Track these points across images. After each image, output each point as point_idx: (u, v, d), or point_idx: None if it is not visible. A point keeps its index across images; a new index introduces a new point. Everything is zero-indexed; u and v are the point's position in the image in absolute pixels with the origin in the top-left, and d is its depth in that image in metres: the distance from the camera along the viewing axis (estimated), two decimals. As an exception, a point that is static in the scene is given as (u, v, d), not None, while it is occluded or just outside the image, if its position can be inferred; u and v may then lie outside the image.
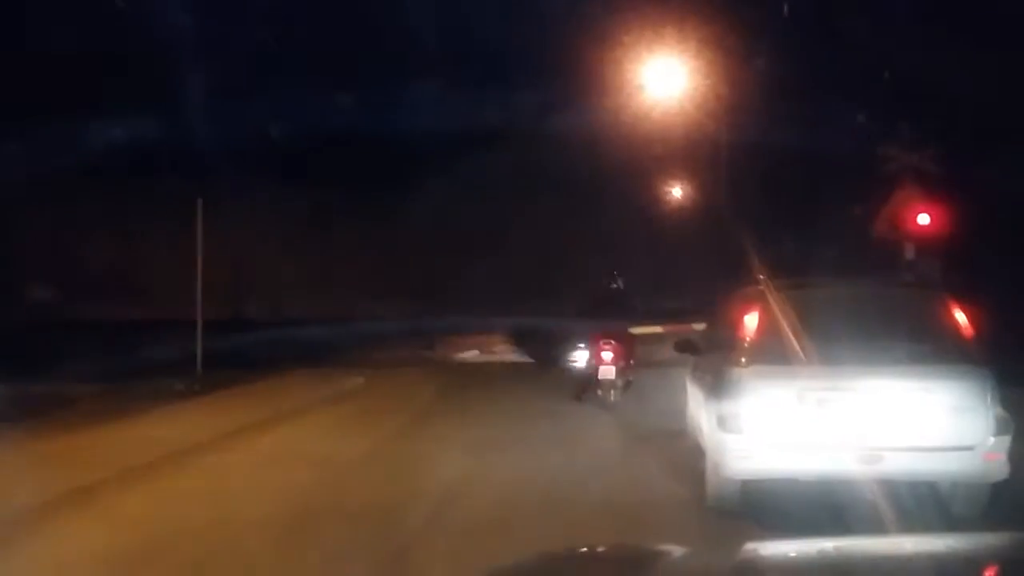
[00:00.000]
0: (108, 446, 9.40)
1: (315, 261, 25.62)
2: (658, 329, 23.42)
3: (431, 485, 7.33)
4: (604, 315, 12.78)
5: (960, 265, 12.32)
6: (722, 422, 6.01)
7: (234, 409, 12.14)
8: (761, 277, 6.88)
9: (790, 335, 5.96)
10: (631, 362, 12.69)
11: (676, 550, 2.33)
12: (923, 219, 11.88)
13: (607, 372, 11.71)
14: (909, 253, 12.28)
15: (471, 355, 23.98)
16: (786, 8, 14.20)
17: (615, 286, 13.57)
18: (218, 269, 17.65)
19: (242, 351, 16.71)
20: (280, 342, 18.35)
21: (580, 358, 14.89)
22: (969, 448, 5.67)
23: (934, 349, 5.99)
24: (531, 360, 20.49)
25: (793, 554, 2.42)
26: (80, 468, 7.97)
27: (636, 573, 2.22)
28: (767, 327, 6.11)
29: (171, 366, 14.87)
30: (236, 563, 5.45)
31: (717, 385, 6.39)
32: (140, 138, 18.80)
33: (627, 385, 12.33)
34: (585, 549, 2.66)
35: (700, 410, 7.20)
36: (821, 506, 5.96)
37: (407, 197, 26.40)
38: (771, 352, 5.98)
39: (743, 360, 6.06)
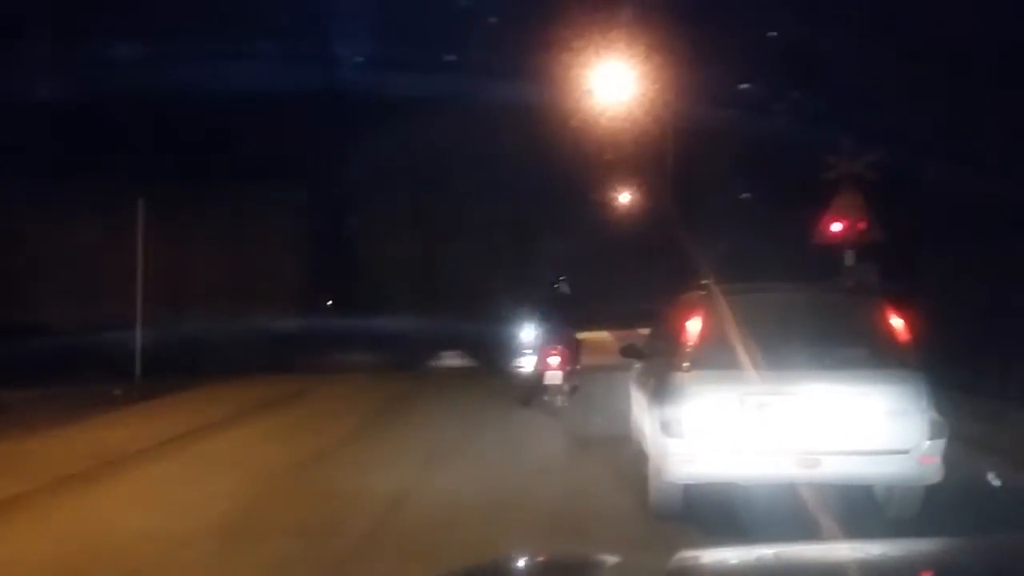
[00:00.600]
0: (42, 454, 9.13)
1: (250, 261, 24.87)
2: (605, 334, 23.59)
3: (373, 492, 7.23)
4: (550, 320, 12.77)
5: (898, 271, 12.59)
6: (665, 427, 6.03)
7: (173, 415, 11.89)
8: (704, 282, 6.94)
9: (732, 340, 6.02)
10: (577, 367, 12.73)
11: (609, 559, 2.32)
12: (862, 226, 12.11)
13: (553, 377, 11.72)
14: (849, 259, 12.50)
15: (447, 359, 23.74)
16: (732, 17, 14.42)
17: (561, 291, 13.56)
18: (161, 271, 17.32)
19: (183, 354, 16.39)
20: (221, 345, 18.01)
21: (526, 363, 14.88)
22: (904, 452, 5.76)
23: (871, 354, 6.09)
24: (476, 365, 20.48)
25: (729, 561, 2.42)
26: (10, 477, 7.72)
27: None
28: (710, 332, 6.16)
29: (109, 371, 14.54)
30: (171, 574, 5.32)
31: (660, 390, 6.42)
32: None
33: (573, 390, 12.36)
34: (517, 558, 2.63)
35: (644, 415, 7.23)
36: (763, 510, 6.01)
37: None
38: (713, 357, 6.02)
39: (685, 365, 6.09)
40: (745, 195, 20.84)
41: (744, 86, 16.19)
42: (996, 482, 6.66)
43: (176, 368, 15.71)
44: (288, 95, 20.94)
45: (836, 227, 12.26)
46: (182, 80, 19.02)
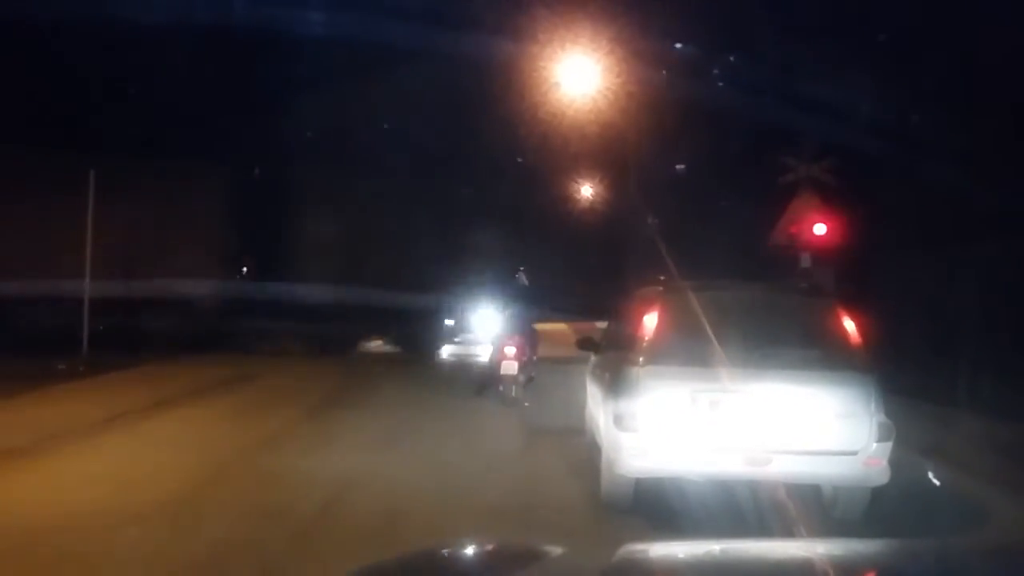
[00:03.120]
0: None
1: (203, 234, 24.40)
2: (562, 326, 23.72)
3: (323, 478, 7.15)
4: (508, 310, 12.77)
5: (852, 274, 12.76)
6: (618, 420, 6.04)
7: (120, 392, 11.69)
8: (662, 278, 6.96)
9: (687, 337, 6.05)
10: (534, 358, 12.74)
11: (554, 550, 2.31)
12: (819, 229, 12.25)
13: (509, 367, 11.71)
14: (805, 261, 12.64)
15: (375, 345, 23.74)
16: (695, 15, 14.47)
17: (520, 281, 13.56)
18: (112, 243, 16.95)
19: (131, 330, 16.10)
20: (170, 323, 17.73)
21: (483, 352, 14.90)
22: (852, 453, 5.83)
23: (823, 356, 6.15)
24: (400, 351, 20.55)
25: (674, 555, 2.42)
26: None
27: (511, 572, 2.18)
28: (665, 328, 6.18)
29: (56, 345, 14.23)
30: (112, 554, 5.19)
31: (615, 383, 6.43)
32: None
33: (529, 381, 12.37)
34: (463, 546, 2.61)
35: (598, 408, 7.25)
36: (714, 506, 6.06)
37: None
38: (668, 353, 6.05)
39: (640, 360, 6.11)
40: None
41: (708, 90, 16.28)
42: (937, 483, 6.78)
43: (120, 345, 15.41)
44: (216, 62, 20.47)
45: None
46: (91, 35, 18.45)
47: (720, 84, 16.28)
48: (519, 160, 24.68)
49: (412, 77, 20.95)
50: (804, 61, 14.52)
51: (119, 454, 8.06)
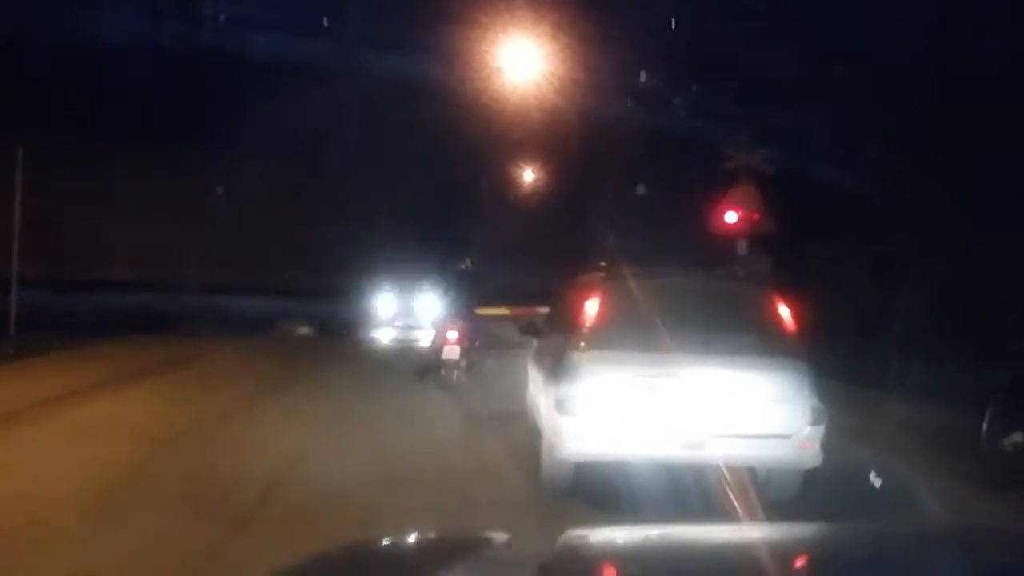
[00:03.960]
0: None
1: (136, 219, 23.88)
2: (504, 311, 23.75)
3: (260, 463, 7.06)
4: (451, 295, 12.74)
5: (788, 262, 13.03)
6: (559, 404, 6.09)
7: (50, 376, 11.36)
8: (602, 264, 7.01)
9: (627, 322, 6.11)
10: (476, 343, 12.73)
11: (498, 536, 2.31)
12: (756, 217, 12.48)
13: (451, 352, 11.69)
14: (742, 248, 12.87)
15: (307, 331, 23.45)
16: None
17: (464, 266, 13.53)
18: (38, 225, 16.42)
19: (61, 314, 15.64)
20: (102, 306, 17.28)
21: (423, 337, 14.86)
22: (786, 436, 5.97)
23: (758, 341, 6.27)
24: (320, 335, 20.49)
25: (616, 540, 2.45)
26: None
27: (451, 560, 2.18)
28: (606, 313, 6.24)
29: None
30: (39, 544, 5.06)
31: (556, 368, 6.47)
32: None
33: (471, 366, 12.36)
34: (405, 535, 2.60)
35: (539, 392, 7.28)
36: (653, 489, 6.14)
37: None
38: (608, 338, 6.12)
39: (581, 344, 6.16)
40: (640, 188, 21.18)
41: (648, 78, 16.41)
42: (876, 480, 6.98)
43: (49, 328, 14.99)
44: (167, 53, 20.06)
45: (731, 217, 12.60)
46: (41, 34, 18.00)
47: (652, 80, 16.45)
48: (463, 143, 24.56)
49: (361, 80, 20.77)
50: (745, 50, 14.72)
51: (42, 440, 7.83)
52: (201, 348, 15.71)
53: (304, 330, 21.73)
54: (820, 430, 6.01)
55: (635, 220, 19.34)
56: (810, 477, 6.16)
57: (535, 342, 8.49)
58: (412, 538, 2.65)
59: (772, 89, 14.41)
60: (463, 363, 11.90)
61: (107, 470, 6.66)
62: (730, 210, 12.82)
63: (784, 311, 6.38)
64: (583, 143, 21.10)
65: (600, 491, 6.22)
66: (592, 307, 6.30)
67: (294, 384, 12.13)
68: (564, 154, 22.83)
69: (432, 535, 2.67)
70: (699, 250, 13.86)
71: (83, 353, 14.05)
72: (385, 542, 2.57)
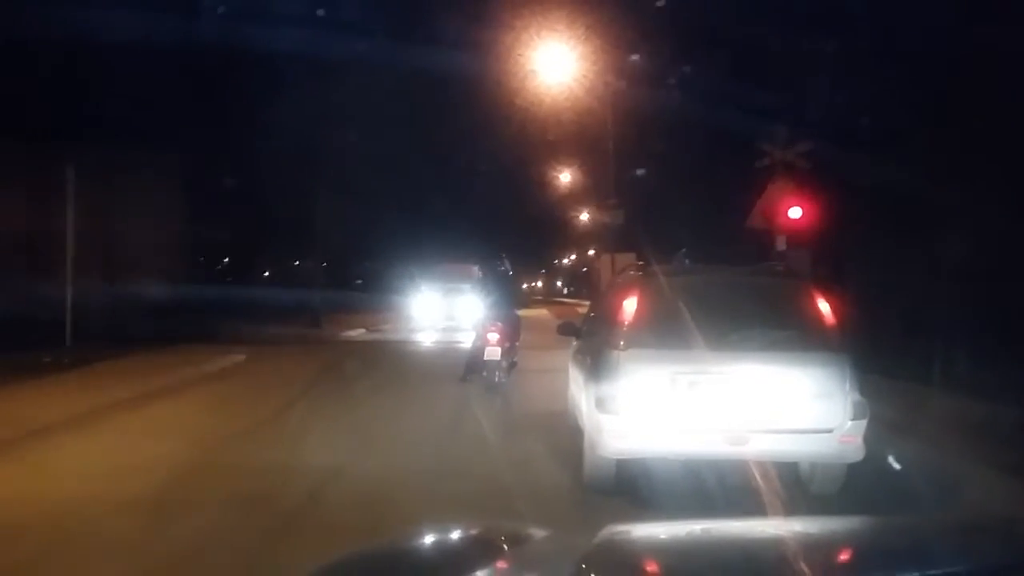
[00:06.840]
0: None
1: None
2: (544, 312, 23.82)
3: (312, 463, 7.24)
4: (491, 297, 12.84)
5: (827, 257, 12.93)
6: (600, 403, 6.16)
7: (106, 384, 11.64)
8: (640, 263, 7.06)
9: (666, 320, 6.17)
10: (516, 343, 12.83)
11: (538, 532, 2.37)
12: (794, 212, 12.37)
13: (492, 353, 11.80)
14: (780, 244, 12.75)
15: (357, 333, 23.80)
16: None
17: (502, 267, 13.63)
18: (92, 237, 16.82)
19: (116, 322, 16.01)
20: (153, 313, 17.66)
21: (466, 339, 14.98)
22: (828, 431, 5.98)
23: (798, 336, 6.28)
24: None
25: (658, 535, 2.50)
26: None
27: (495, 555, 2.24)
28: (645, 312, 6.30)
29: (39, 337, 14.13)
30: (97, 546, 5.24)
31: (596, 367, 6.54)
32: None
33: (512, 366, 12.47)
34: (448, 531, 2.66)
35: (580, 391, 7.36)
36: (695, 485, 6.20)
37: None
38: (648, 336, 6.17)
39: (621, 343, 6.22)
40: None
41: (685, 70, 16.40)
42: (896, 465, 6.96)
43: (106, 336, 15.39)
44: (175, 55, 20.34)
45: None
46: (43, 30, 18.25)
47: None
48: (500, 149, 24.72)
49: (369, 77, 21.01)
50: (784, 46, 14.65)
51: (102, 446, 8.09)
52: (260, 354, 16.10)
53: (355, 333, 22.04)
54: (862, 424, 6.00)
55: (673, 217, 19.28)
56: (853, 471, 6.16)
57: (575, 342, 8.57)
58: (455, 533, 2.71)
59: (812, 82, 14.31)
60: (504, 363, 12.01)
61: (161, 474, 6.85)
62: (767, 206, 12.73)
63: (824, 305, 6.38)
64: (618, 142, 21.07)
65: (643, 488, 6.29)
66: (630, 306, 6.36)
67: (344, 390, 12.35)
68: (601, 155, 22.79)
69: (474, 530, 2.73)
70: (739, 247, 13.80)
71: (138, 361, 14.34)
72: (428, 537, 2.65)
